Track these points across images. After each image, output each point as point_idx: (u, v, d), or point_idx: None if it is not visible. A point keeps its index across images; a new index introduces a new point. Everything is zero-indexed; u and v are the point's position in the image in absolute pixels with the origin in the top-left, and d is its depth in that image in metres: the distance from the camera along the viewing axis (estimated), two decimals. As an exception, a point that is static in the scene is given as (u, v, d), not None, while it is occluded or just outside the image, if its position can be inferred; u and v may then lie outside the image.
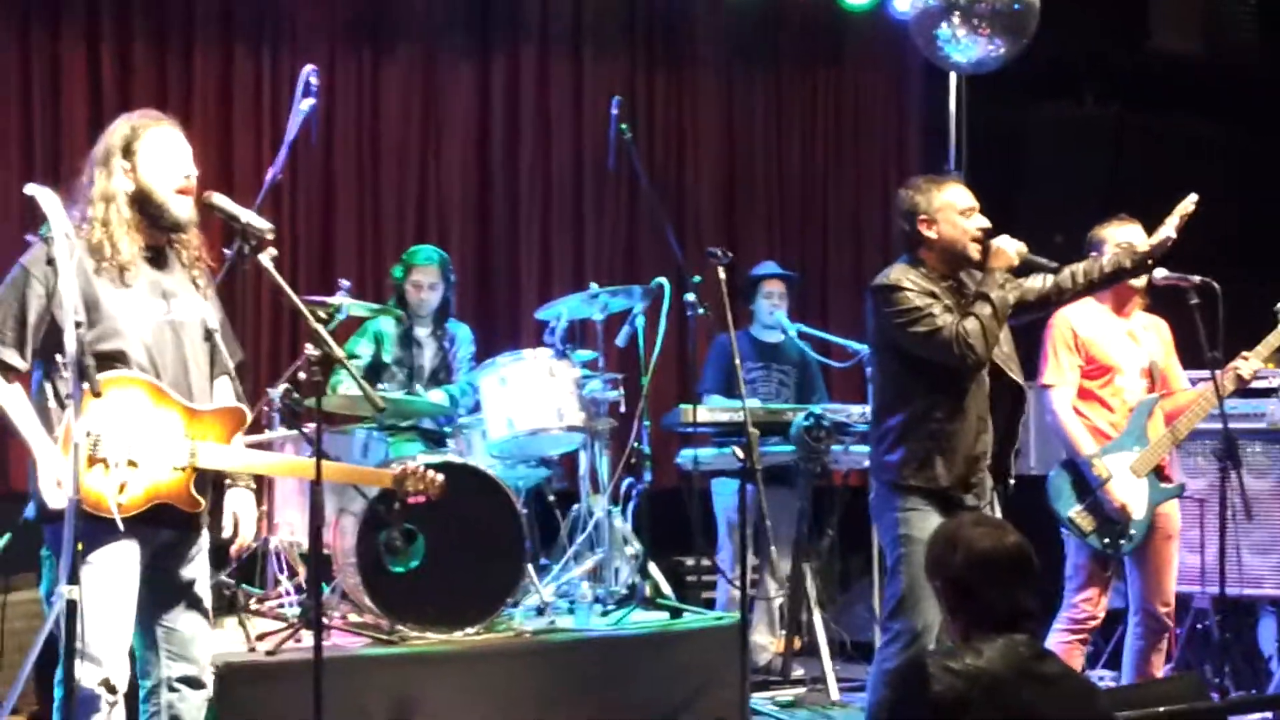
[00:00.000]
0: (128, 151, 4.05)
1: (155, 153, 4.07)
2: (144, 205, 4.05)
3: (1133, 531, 5.52)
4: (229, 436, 4.09)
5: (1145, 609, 5.67)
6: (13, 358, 3.88)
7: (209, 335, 4.15)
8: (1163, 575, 5.67)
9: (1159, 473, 5.60)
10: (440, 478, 4.58)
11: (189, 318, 4.11)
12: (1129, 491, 5.50)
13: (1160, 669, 5.75)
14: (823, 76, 9.29)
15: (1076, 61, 9.22)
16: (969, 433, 4.83)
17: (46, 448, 3.84)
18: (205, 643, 4.19)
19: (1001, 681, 3.34)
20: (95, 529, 3.78)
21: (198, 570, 4.15)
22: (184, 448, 3.98)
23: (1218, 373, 5.43)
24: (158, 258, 4.11)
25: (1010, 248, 4.85)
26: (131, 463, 3.87)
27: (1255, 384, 6.63)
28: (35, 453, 3.85)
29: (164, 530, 3.99)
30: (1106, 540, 5.52)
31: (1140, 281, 5.63)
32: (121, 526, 3.82)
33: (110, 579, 3.88)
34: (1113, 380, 5.66)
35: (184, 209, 4.09)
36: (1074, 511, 5.53)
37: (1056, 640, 5.56)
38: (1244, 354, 5.53)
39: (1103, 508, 5.50)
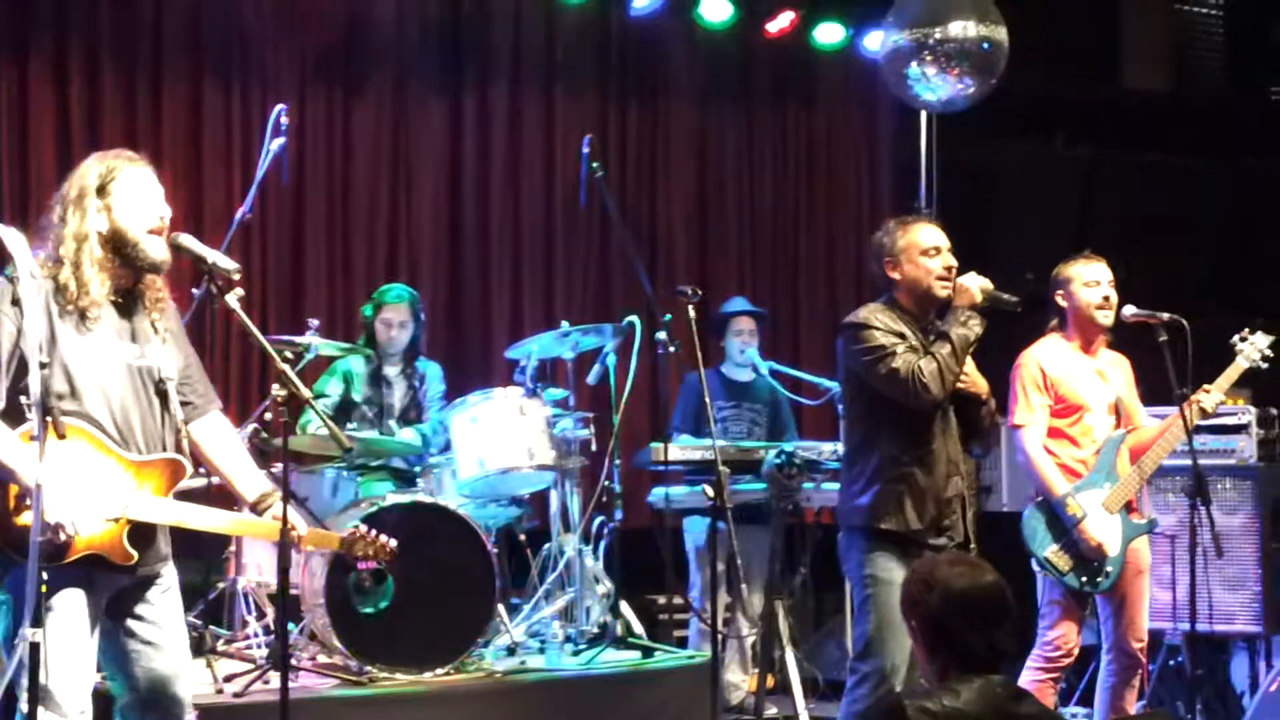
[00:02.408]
0: (102, 191, 4.00)
1: (130, 193, 4.03)
2: (117, 245, 4.00)
3: (1109, 569, 5.50)
4: (167, 489, 4.02)
5: (1119, 646, 5.65)
6: None
7: (162, 383, 4.09)
8: (1135, 611, 5.65)
9: (1129, 508, 5.59)
10: (392, 544, 4.45)
11: (148, 363, 4.06)
12: (1103, 529, 5.49)
13: (1133, 705, 5.73)
14: (794, 114, 9.33)
15: (1047, 100, 9.28)
16: (939, 476, 4.82)
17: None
18: (185, 682, 4.12)
19: None
20: (49, 574, 3.72)
21: (169, 608, 4.09)
22: (118, 500, 3.91)
23: (1185, 407, 5.44)
24: (124, 300, 4.07)
25: (974, 285, 4.87)
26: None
27: (1225, 420, 6.68)
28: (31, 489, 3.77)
29: (119, 575, 3.94)
30: (1084, 579, 5.50)
31: (1107, 319, 5.64)
32: (44, 575, 3.74)
33: (66, 623, 3.82)
34: (1082, 418, 5.64)
35: (158, 250, 4.05)
36: (1050, 551, 5.50)
37: (1030, 678, 5.54)
38: (1205, 386, 5.54)
39: (1078, 546, 5.49)
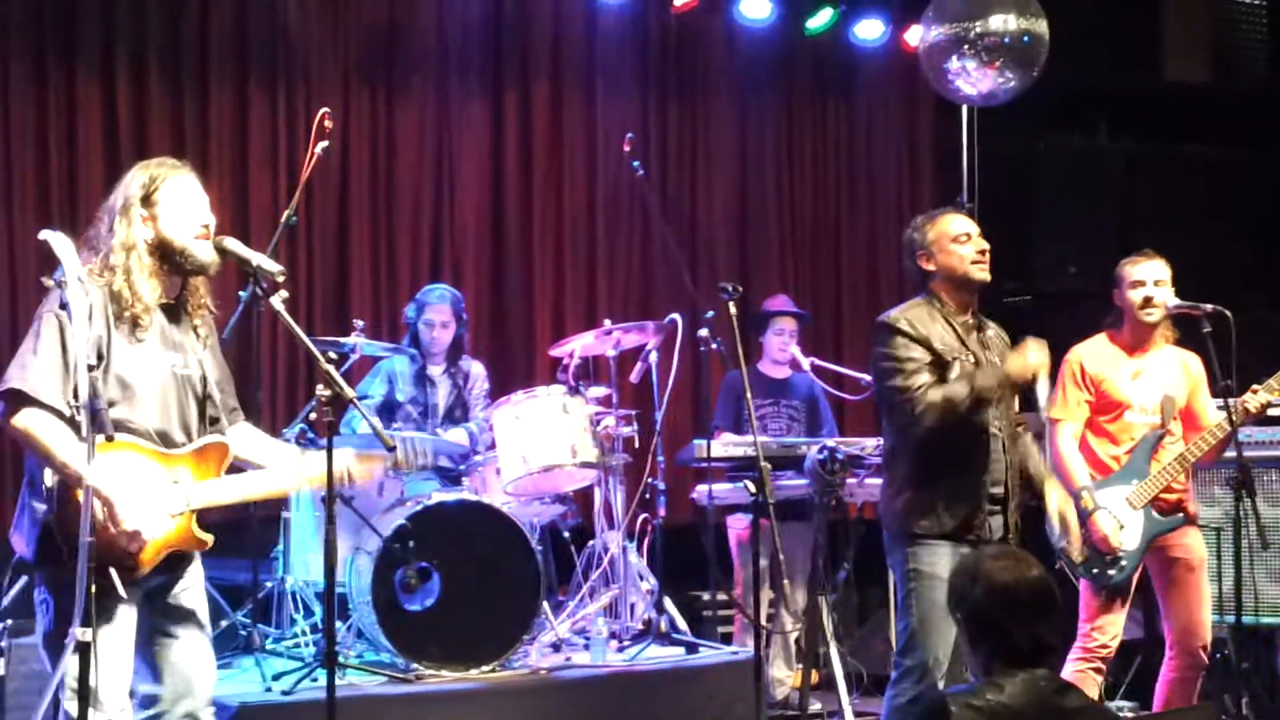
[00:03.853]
0: (147, 200, 4.06)
1: (174, 201, 4.08)
2: (165, 252, 4.06)
3: (1123, 563, 5.52)
4: (218, 471, 4.11)
5: (1178, 644, 5.65)
6: (62, 406, 3.87)
7: (205, 388, 4.17)
8: (1193, 608, 5.64)
9: (1163, 505, 5.57)
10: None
11: (192, 370, 4.13)
12: (1115, 524, 5.50)
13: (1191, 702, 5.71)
14: (835, 110, 9.34)
15: (1089, 93, 9.23)
16: (972, 479, 4.81)
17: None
18: (208, 677, 4.17)
19: (1023, 717, 3.35)
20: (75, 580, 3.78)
21: (194, 602, 4.14)
22: (179, 495, 3.99)
23: (1231, 402, 5.42)
24: (171, 307, 4.13)
25: (1035, 359, 4.81)
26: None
27: (1272, 411, 6.64)
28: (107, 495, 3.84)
29: (154, 575, 4.00)
30: (1095, 571, 5.53)
31: (1150, 318, 5.64)
32: (123, 593, 3.83)
33: (105, 623, 3.85)
34: (1121, 415, 5.66)
35: (206, 252, 4.11)
36: (1065, 542, 5.53)
37: (1071, 669, 5.55)
38: (1254, 386, 5.52)
39: (1091, 540, 5.51)
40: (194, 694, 4.10)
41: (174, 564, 4.06)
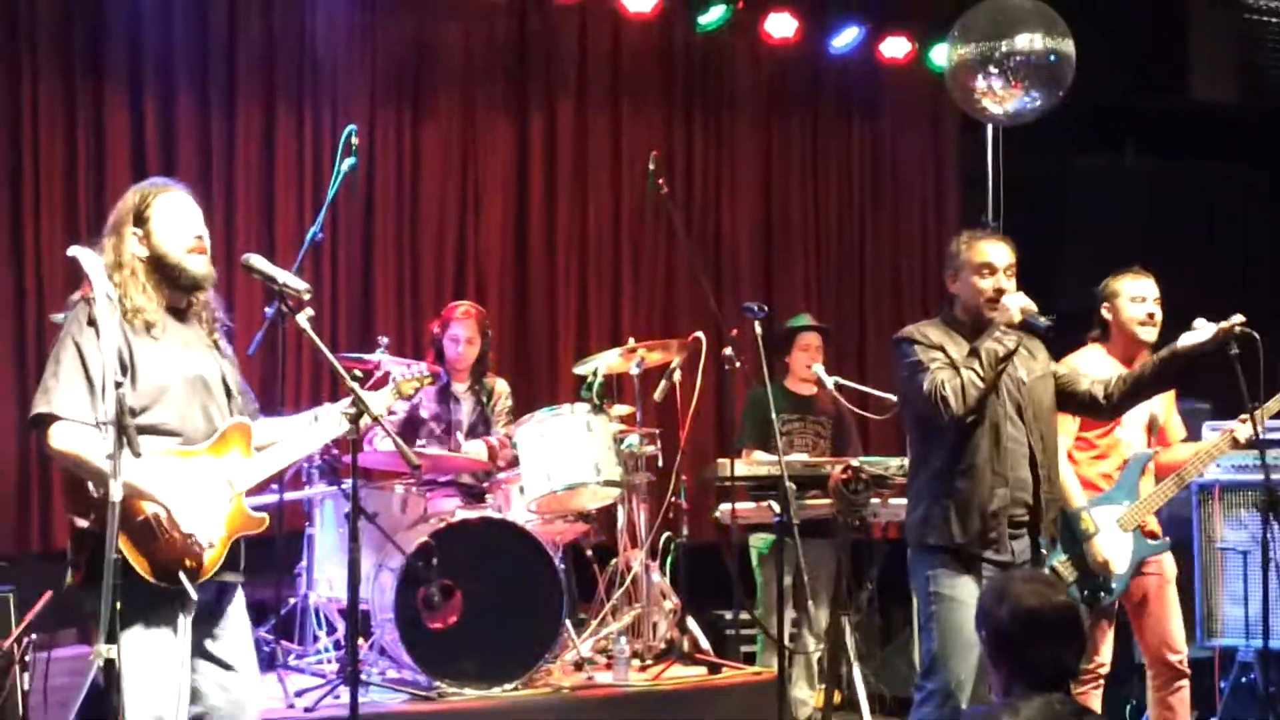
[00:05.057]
0: (139, 219, 4.09)
1: (166, 217, 4.11)
2: (161, 268, 4.09)
3: (1114, 585, 5.51)
4: (248, 450, 4.14)
5: (1157, 658, 5.66)
6: (92, 421, 3.87)
7: (229, 392, 4.19)
8: (1167, 623, 5.66)
9: (1141, 528, 5.57)
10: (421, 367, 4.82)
11: (213, 374, 4.15)
12: (1113, 547, 5.48)
13: (1187, 717, 5.69)
14: (860, 129, 9.34)
15: (1115, 112, 9.21)
16: (983, 489, 4.80)
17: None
18: (257, 698, 4.21)
19: None
20: (140, 594, 3.80)
21: (241, 626, 4.17)
22: (221, 485, 4.03)
23: (1233, 424, 5.46)
24: (180, 313, 4.16)
25: (1014, 305, 4.85)
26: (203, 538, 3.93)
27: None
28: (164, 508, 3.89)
29: (200, 593, 4.01)
30: (1086, 592, 5.50)
31: (1150, 336, 5.61)
32: (195, 595, 3.88)
33: (162, 643, 3.89)
34: (1111, 431, 5.63)
35: (201, 266, 4.14)
36: (1058, 561, 5.51)
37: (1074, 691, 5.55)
38: (1243, 416, 5.48)
39: (1085, 560, 5.49)
40: (248, 715, 4.11)
41: (227, 582, 4.08)
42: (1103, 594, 5.51)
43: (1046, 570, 5.49)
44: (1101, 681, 5.61)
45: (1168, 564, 5.69)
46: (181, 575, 3.86)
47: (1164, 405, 5.75)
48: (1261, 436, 5.33)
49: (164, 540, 3.85)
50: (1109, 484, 5.59)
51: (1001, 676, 3.60)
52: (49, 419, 3.85)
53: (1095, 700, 5.58)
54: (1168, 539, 5.72)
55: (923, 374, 4.81)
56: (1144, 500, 5.55)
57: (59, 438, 3.85)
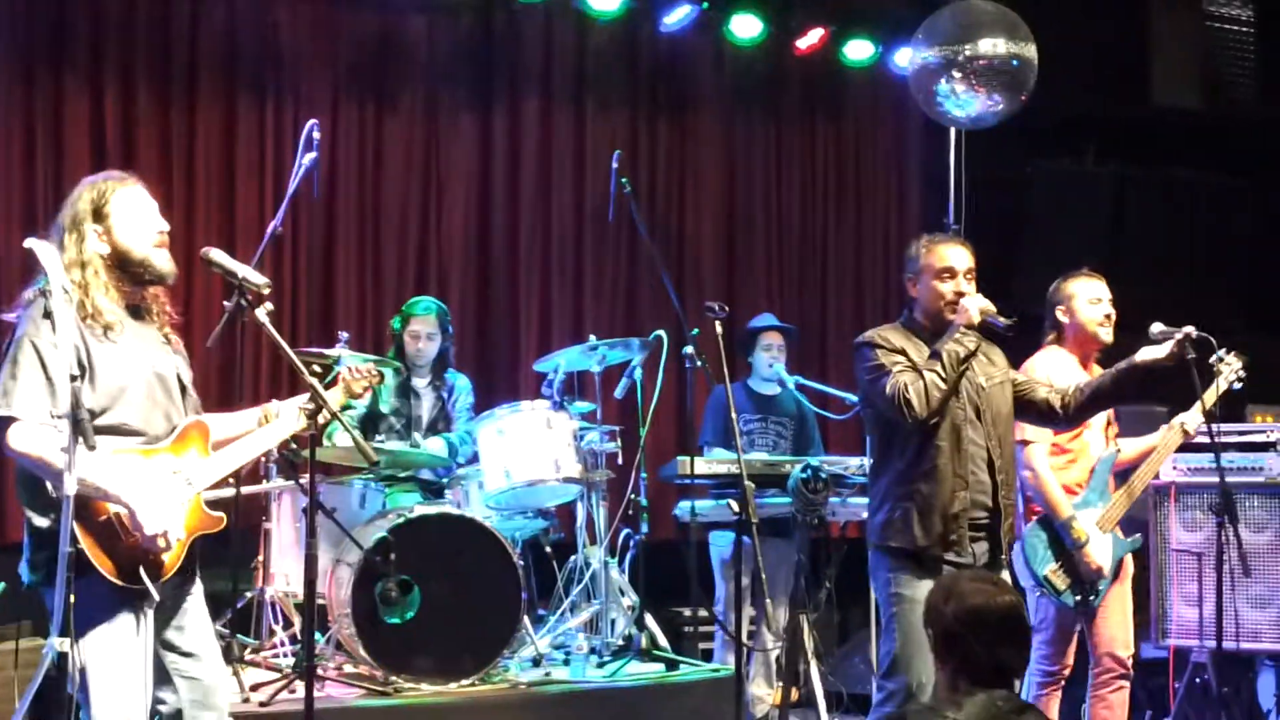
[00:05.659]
0: (98, 215, 4.04)
1: (127, 212, 4.07)
2: (123, 265, 4.06)
3: (1100, 587, 5.57)
4: (206, 449, 4.12)
5: (1106, 654, 5.68)
6: (52, 421, 3.85)
7: (184, 389, 4.18)
8: (1124, 619, 5.72)
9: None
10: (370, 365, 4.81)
11: (169, 373, 4.13)
12: (1101, 551, 5.54)
13: (1124, 717, 5.74)
14: (823, 130, 9.36)
15: (1077, 117, 9.27)
16: (945, 491, 4.83)
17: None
18: (225, 689, 4.21)
19: None
20: (102, 593, 3.80)
21: (201, 618, 4.16)
22: (180, 484, 4.00)
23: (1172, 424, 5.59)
24: (134, 309, 4.13)
25: (973, 306, 4.88)
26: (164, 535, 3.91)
27: (1253, 437, 6.67)
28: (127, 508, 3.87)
29: (159, 591, 3.99)
30: (1079, 598, 5.56)
31: (1108, 337, 5.69)
32: (156, 595, 3.87)
33: (125, 640, 3.88)
34: (1080, 434, 5.68)
35: (165, 261, 4.12)
36: (1049, 570, 5.55)
37: (1033, 692, 5.60)
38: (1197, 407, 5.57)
39: (1077, 567, 5.52)
40: (216, 706, 4.11)
41: (185, 575, 4.07)
42: (1092, 597, 5.57)
43: (1037, 581, 5.54)
44: (1058, 685, 5.65)
45: (1127, 563, 5.75)
46: (143, 574, 3.84)
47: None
48: (1213, 432, 5.40)
49: (126, 540, 3.83)
50: (1080, 488, 5.64)
51: (947, 673, 3.70)
52: (7, 421, 3.81)
53: (1055, 703, 5.61)
54: (1138, 535, 5.83)
55: (885, 377, 4.84)
56: (1115, 501, 5.62)
57: (19, 439, 3.81)
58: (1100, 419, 5.69)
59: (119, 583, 3.82)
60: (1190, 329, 5.09)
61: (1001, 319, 4.88)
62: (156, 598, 3.87)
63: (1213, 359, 5.60)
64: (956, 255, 4.98)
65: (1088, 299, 5.68)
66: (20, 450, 3.81)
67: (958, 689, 3.59)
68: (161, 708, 4.04)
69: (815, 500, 6.42)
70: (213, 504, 4.11)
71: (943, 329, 4.94)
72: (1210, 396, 5.53)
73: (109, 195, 4.07)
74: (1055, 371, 5.61)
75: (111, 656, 3.84)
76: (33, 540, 3.89)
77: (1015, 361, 5.28)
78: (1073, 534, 5.51)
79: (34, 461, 3.80)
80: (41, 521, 3.85)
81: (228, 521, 4.13)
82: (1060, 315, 5.73)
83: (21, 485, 3.94)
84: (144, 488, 3.88)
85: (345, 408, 6.43)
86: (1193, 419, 5.63)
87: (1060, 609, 5.58)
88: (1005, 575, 4.96)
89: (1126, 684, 5.71)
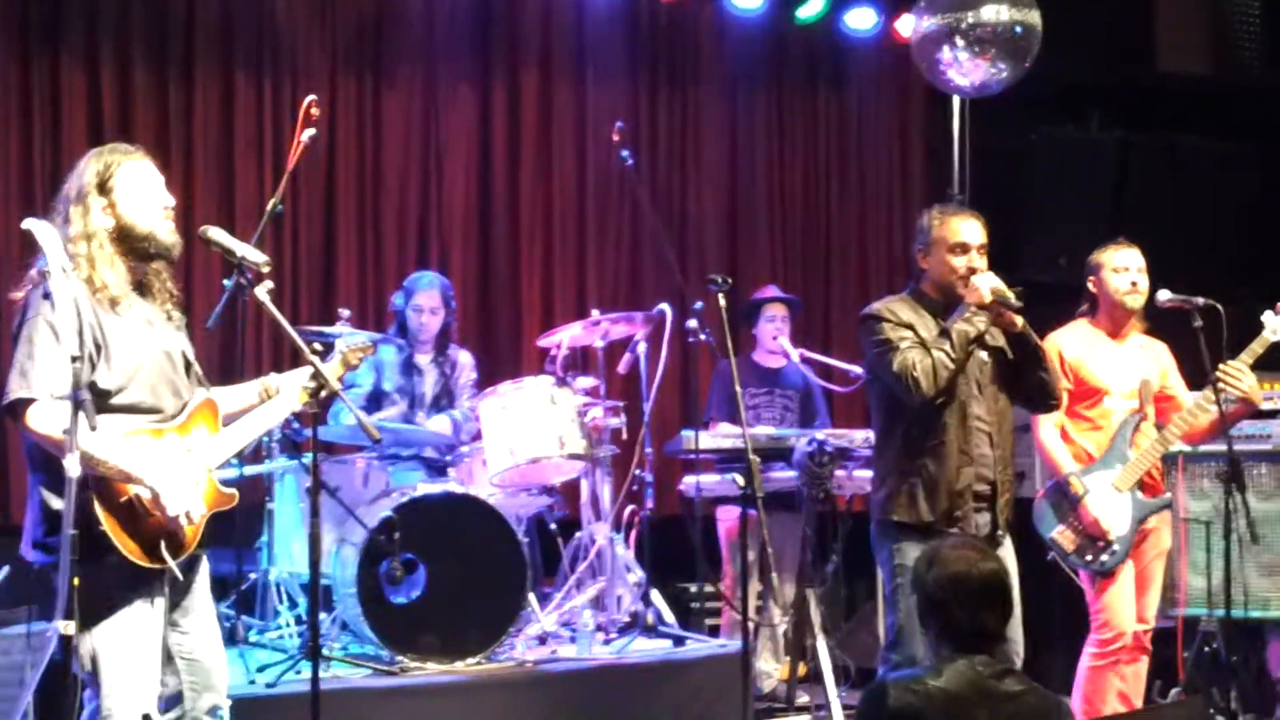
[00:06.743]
0: (104, 188, 4.01)
1: (133, 186, 4.05)
2: (129, 239, 4.03)
3: (1116, 547, 5.54)
4: (216, 426, 4.11)
5: (1114, 623, 5.64)
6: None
7: (189, 365, 4.16)
8: (1148, 595, 5.70)
9: (1142, 488, 5.60)
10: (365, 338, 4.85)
11: (175, 349, 4.11)
12: (1106, 508, 5.51)
13: (1140, 694, 5.71)
14: (825, 100, 9.29)
15: (1082, 84, 9.20)
16: (950, 468, 4.83)
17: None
18: (224, 671, 4.21)
19: (957, 701, 3.58)
20: (123, 575, 3.81)
21: (205, 597, 4.17)
22: (193, 462, 4.00)
23: (1207, 391, 5.49)
24: (140, 289, 4.11)
25: (984, 284, 4.85)
26: (189, 515, 3.91)
27: (1265, 405, 6.63)
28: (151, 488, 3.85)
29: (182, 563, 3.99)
30: (1089, 558, 5.55)
31: (1135, 303, 5.70)
32: (179, 574, 3.90)
33: (142, 623, 3.89)
34: (1100, 401, 5.70)
35: (170, 235, 4.10)
36: (1056, 531, 5.58)
37: (1085, 664, 5.60)
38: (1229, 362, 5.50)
39: (1083, 527, 5.51)
40: (216, 687, 4.12)
41: (193, 561, 4.08)
42: (1105, 558, 5.55)
43: (1048, 544, 5.54)
44: (1119, 661, 5.59)
45: (1165, 534, 5.75)
46: (165, 553, 3.84)
47: (1161, 371, 5.82)
48: (1220, 401, 5.38)
49: (148, 521, 3.82)
50: (1101, 453, 5.64)
51: (930, 638, 3.80)
52: (27, 402, 3.79)
53: (1106, 679, 5.57)
54: (1168, 494, 5.80)
55: (892, 353, 4.81)
56: (1135, 460, 5.58)
57: (39, 420, 3.79)
58: (1127, 384, 5.68)
59: (142, 563, 3.82)
60: (1199, 299, 5.06)
61: (1012, 299, 4.85)
62: (179, 576, 3.90)
63: (1267, 313, 5.62)
64: (970, 230, 4.95)
65: (1114, 268, 5.72)
66: (42, 432, 3.79)
67: (940, 653, 3.69)
68: (162, 689, 4.03)
69: (821, 474, 6.41)
70: (223, 482, 4.10)
71: (952, 302, 4.91)
72: (1256, 349, 5.54)
73: (115, 168, 4.05)
74: (1071, 346, 5.71)
75: (128, 640, 3.85)
76: (47, 523, 3.87)
77: (1041, 332, 5.23)
78: (1070, 489, 5.54)
79: (55, 443, 3.74)
80: (59, 504, 3.81)
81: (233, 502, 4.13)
82: (1091, 286, 5.80)
83: (40, 466, 3.90)
84: (164, 468, 3.87)
85: (349, 386, 6.42)
86: (1247, 379, 5.52)
87: (1089, 574, 5.58)
88: (1007, 548, 4.95)
89: (1144, 658, 5.70)
